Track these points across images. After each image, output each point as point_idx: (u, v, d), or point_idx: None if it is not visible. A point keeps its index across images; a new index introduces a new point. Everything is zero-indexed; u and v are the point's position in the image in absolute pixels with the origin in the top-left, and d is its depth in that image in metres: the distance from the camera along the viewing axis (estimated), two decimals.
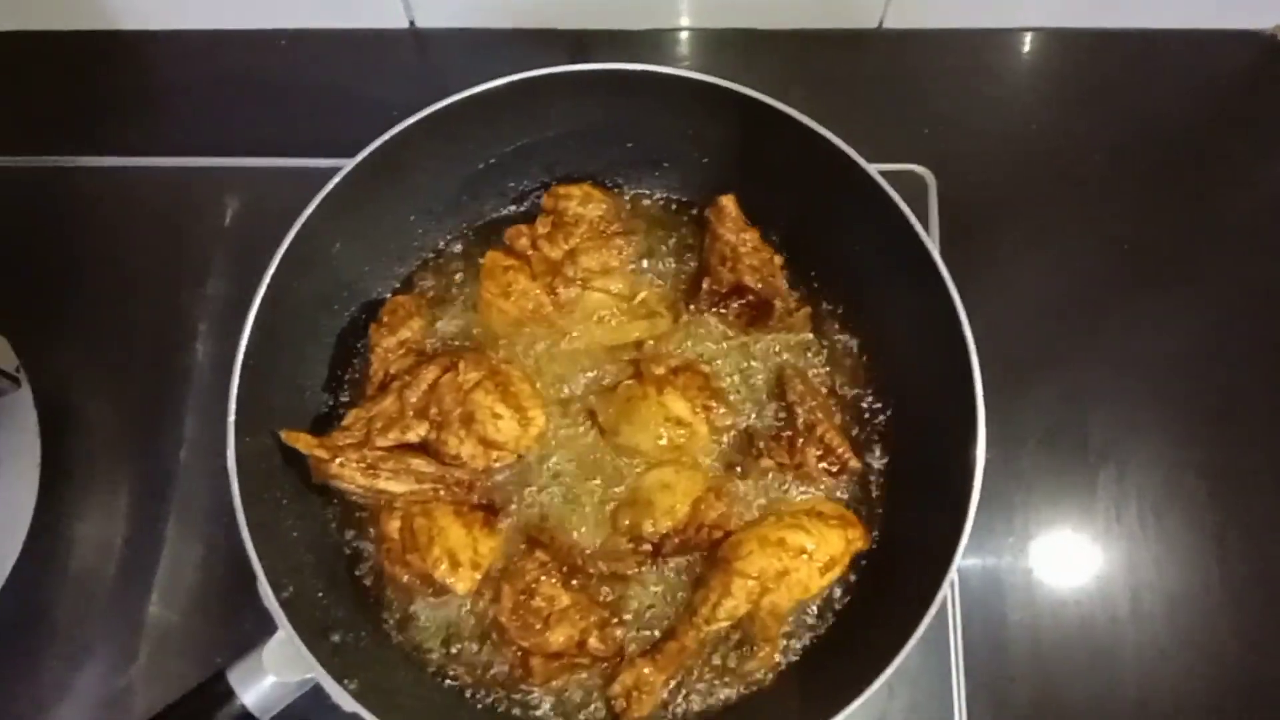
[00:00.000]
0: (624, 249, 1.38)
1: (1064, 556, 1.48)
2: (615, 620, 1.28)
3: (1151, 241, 1.59)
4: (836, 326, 1.42)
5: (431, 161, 1.31)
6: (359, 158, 1.21)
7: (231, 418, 1.13)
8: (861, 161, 1.22)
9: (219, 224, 1.51)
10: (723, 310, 1.41)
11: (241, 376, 1.15)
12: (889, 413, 1.38)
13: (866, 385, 1.39)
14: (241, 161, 1.53)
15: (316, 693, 1.09)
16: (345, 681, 1.08)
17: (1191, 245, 1.56)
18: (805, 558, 1.25)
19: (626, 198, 1.46)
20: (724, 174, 1.38)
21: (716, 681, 1.28)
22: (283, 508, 1.23)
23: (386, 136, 1.21)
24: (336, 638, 1.18)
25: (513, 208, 1.45)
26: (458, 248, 1.44)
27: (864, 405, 1.39)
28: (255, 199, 1.51)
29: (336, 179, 1.20)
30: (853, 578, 1.32)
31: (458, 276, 1.43)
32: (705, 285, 1.38)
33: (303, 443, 1.23)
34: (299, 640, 1.08)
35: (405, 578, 1.26)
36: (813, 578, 1.26)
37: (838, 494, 1.36)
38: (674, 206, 1.46)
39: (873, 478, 1.37)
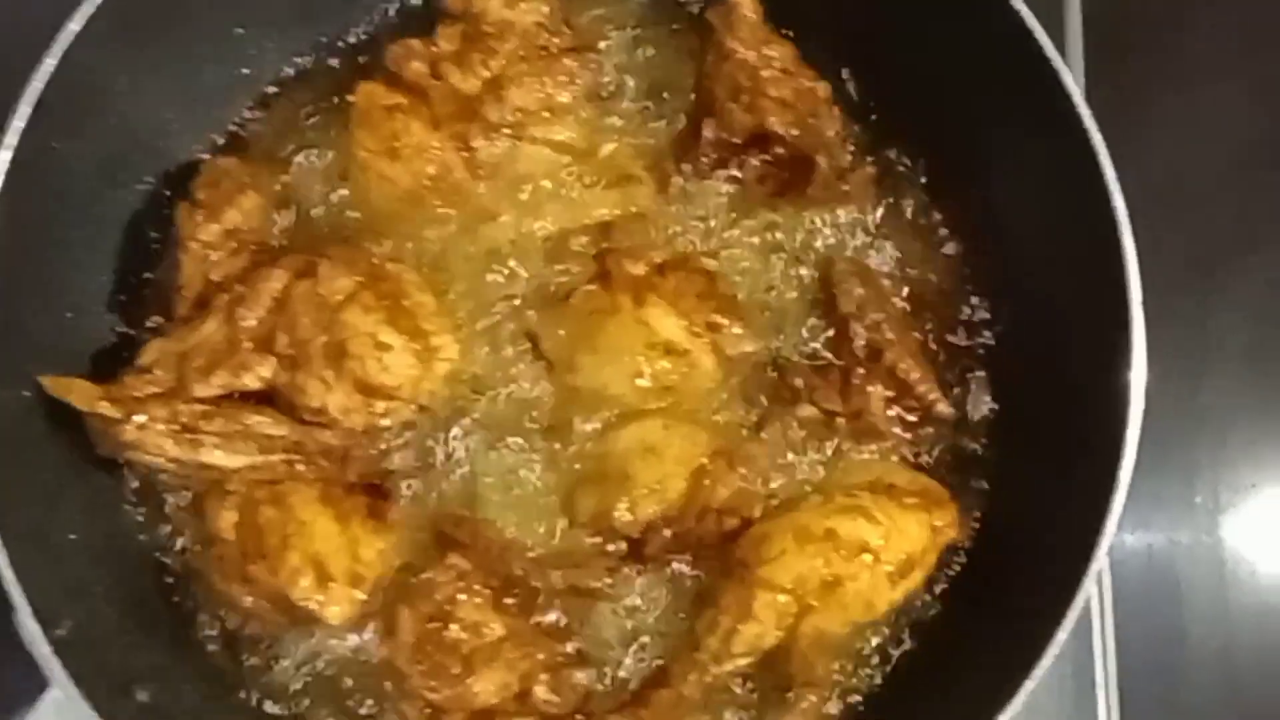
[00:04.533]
0: (577, 76, 1.39)
1: (1276, 533, 1.52)
2: (575, 658, 1.31)
3: None
4: (915, 195, 1.45)
5: None
6: None
7: None
8: None
9: None
10: (736, 172, 1.42)
11: None
12: (997, 328, 1.42)
13: (961, 286, 1.43)
14: None
15: None
16: None
17: None
18: (868, 558, 1.28)
19: None
20: None
21: None
22: (53, 498, 1.26)
23: None
24: (144, 695, 1.20)
25: (397, 6, 1.48)
26: (313, 79, 1.45)
27: (959, 317, 1.43)
28: None
29: None
30: (943, 584, 1.38)
31: (313, 125, 1.44)
32: (708, 133, 1.39)
33: (79, 394, 1.25)
34: (84, 699, 1.10)
35: (247, 600, 1.30)
36: (880, 589, 1.30)
37: (918, 457, 1.39)
38: (657, 6, 1.47)
39: (972, 428, 1.40)
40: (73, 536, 1.27)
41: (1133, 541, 1.48)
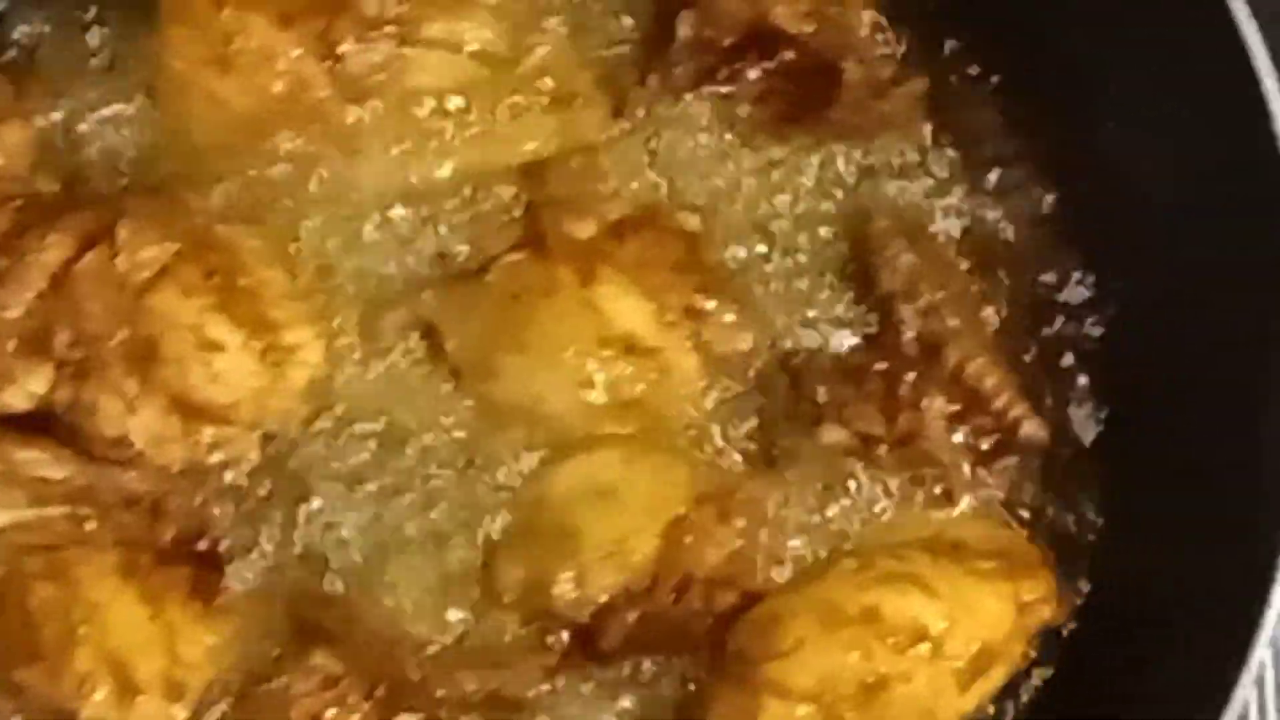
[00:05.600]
0: None
1: None
2: None
3: None
4: (988, 119, 1.41)
5: None
6: None
7: None
8: None
9: None
10: (727, 88, 1.37)
11: None
12: (1108, 311, 1.38)
13: (1057, 252, 1.38)
14: None
15: None
16: None
17: None
18: (926, 649, 1.22)
19: None
20: None
21: None
22: None
23: None
24: None
25: None
26: None
27: (1053, 298, 1.38)
28: None
29: None
30: (1035, 685, 1.33)
31: (105, 22, 1.39)
32: (686, 30, 1.34)
33: None
34: None
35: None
36: (944, 693, 1.24)
37: (993, 502, 1.34)
38: None
39: (1073, 458, 1.36)
40: None
41: None
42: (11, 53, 1.38)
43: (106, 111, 1.37)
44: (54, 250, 1.24)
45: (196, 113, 1.33)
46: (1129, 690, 1.27)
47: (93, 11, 1.39)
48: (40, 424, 1.25)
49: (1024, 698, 1.33)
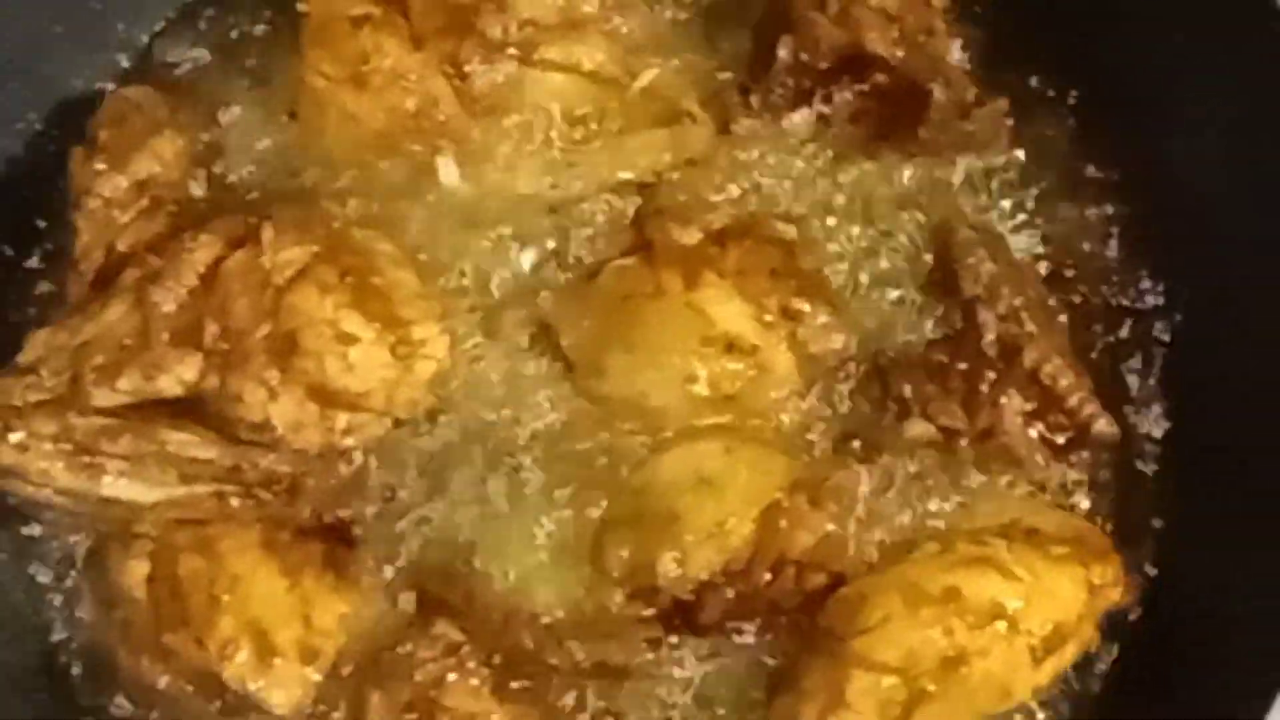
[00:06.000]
0: None
1: None
2: None
3: None
4: (1064, 138, 1.41)
5: None
6: None
7: None
8: None
9: None
10: (822, 108, 1.40)
11: None
12: (1176, 317, 1.38)
13: (1128, 260, 1.39)
14: None
15: None
16: None
17: None
18: (1003, 627, 1.24)
19: None
20: None
21: None
22: None
23: None
24: None
25: None
26: None
27: (1124, 303, 1.38)
28: None
29: None
30: (1104, 663, 1.34)
31: (253, 42, 1.41)
32: (785, 54, 1.37)
33: None
34: None
35: (163, 680, 1.28)
36: (1019, 668, 1.26)
37: (1069, 492, 1.35)
38: None
39: (1142, 453, 1.37)
40: None
41: None
42: (168, 71, 1.41)
43: (253, 125, 1.40)
44: (204, 250, 1.28)
45: (333, 128, 1.36)
46: (1197, 667, 1.28)
47: (242, 35, 1.42)
48: (189, 409, 1.29)
49: (1102, 665, 1.34)
